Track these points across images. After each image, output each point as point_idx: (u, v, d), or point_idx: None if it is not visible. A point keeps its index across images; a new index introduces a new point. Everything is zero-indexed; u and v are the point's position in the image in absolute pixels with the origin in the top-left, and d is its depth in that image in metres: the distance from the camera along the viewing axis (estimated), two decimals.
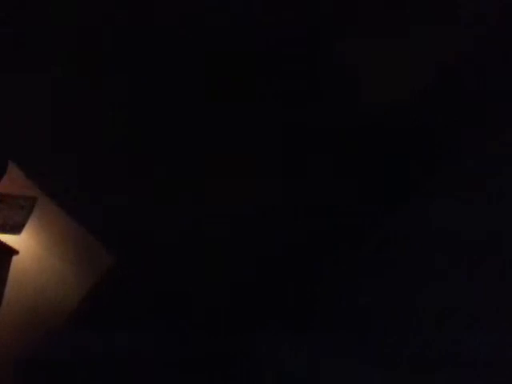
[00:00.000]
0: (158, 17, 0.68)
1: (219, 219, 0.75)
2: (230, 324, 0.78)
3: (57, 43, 0.65)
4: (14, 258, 0.78)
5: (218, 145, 0.72)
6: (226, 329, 0.78)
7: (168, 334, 0.78)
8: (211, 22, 0.69)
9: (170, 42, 0.69)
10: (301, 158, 0.72)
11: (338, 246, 0.76)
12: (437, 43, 0.70)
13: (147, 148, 0.70)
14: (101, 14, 0.65)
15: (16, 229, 0.78)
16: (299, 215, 0.75)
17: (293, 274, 0.77)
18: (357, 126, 0.73)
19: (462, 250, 0.69)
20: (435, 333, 0.66)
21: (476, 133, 0.71)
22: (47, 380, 0.77)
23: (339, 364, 0.73)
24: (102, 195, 0.72)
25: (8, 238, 0.78)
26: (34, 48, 0.64)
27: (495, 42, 0.69)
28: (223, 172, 0.74)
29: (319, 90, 0.70)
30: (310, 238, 0.75)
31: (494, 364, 0.62)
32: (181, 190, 0.72)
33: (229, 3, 0.68)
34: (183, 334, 0.78)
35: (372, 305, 0.73)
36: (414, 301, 0.71)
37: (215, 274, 0.78)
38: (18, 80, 0.68)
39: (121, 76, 0.69)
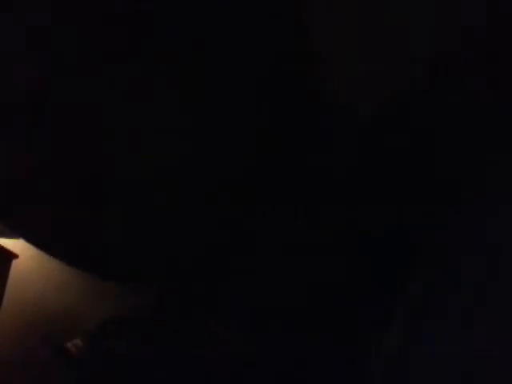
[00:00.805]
0: None
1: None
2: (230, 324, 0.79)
3: None
4: (14, 262, 0.79)
5: None
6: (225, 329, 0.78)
7: (168, 336, 0.79)
8: None
9: None
10: (298, 162, 0.73)
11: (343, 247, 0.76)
12: (437, 42, 0.69)
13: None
14: None
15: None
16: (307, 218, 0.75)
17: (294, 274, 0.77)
18: (357, 126, 0.73)
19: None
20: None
21: None
22: (46, 381, 0.77)
23: (339, 364, 0.74)
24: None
25: (7, 242, 0.78)
26: None
27: (496, 42, 0.68)
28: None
29: (315, 91, 0.70)
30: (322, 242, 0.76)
31: (498, 368, 0.62)
32: (180, 192, 0.72)
33: None
34: (183, 336, 0.78)
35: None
36: (415, 302, 0.71)
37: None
38: None
39: None
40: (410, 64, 0.69)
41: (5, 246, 0.77)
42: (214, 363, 0.77)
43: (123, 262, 0.73)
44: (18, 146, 0.67)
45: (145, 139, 0.69)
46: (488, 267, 0.67)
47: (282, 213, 0.75)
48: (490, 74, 0.69)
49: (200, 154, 0.70)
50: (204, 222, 0.73)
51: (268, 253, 0.75)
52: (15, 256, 0.78)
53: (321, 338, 0.75)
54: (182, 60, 0.66)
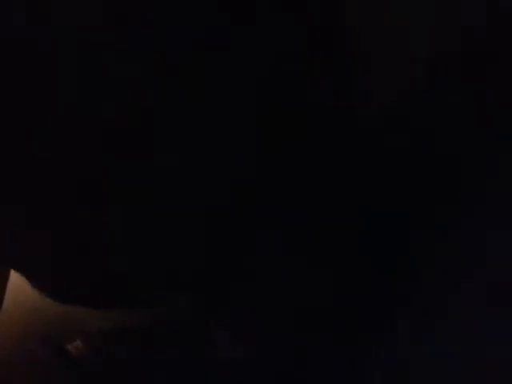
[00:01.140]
0: None
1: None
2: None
3: None
4: None
5: None
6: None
7: (169, 337, 0.79)
8: None
9: None
10: (298, 162, 0.72)
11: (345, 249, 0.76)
12: (437, 42, 0.69)
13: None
14: None
15: None
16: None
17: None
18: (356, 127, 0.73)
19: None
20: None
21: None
22: (46, 382, 0.77)
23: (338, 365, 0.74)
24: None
25: None
26: None
27: (496, 42, 0.69)
28: None
29: (315, 91, 0.70)
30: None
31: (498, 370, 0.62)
32: (181, 199, 0.72)
33: None
34: (182, 340, 0.78)
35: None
36: (415, 305, 0.72)
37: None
38: None
39: None
40: (410, 64, 0.69)
41: None
42: (214, 364, 0.77)
43: (121, 277, 0.73)
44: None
45: (144, 140, 0.69)
46: (488, 267, 0.67)
47: (282, 213, 0.75)
48: (490, 74, 0.69)
49: (199, 154, 0.70)
50: (204, 223, 0.72)
51: (268, 253, 0.75)
52: None
53: (321, 338, 0.75)
54: (182, 60, 0.66)
